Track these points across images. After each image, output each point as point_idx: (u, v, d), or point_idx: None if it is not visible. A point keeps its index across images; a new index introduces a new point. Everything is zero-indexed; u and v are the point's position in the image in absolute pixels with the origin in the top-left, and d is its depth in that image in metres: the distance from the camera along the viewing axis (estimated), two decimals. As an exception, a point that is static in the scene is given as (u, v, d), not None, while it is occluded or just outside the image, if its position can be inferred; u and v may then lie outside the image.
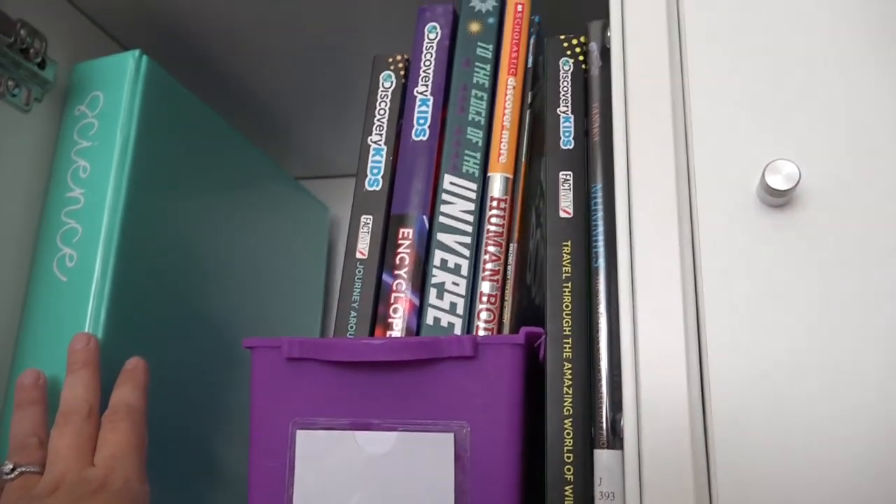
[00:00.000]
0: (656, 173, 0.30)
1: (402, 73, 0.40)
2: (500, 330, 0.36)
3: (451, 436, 0.32)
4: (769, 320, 0.28)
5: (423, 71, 0.39)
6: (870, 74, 0.30)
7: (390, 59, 0.41)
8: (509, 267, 0.37)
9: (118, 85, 0.49)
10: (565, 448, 0.32)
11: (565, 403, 0.32)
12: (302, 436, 0.34)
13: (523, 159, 0.38)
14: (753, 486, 0.27)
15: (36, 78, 0.47)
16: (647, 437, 0.29)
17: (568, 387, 0.32)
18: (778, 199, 0.29)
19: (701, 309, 0.29)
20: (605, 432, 0.32)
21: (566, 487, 0.31)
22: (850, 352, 0.28)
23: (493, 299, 0.36)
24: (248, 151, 0.62)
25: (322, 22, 0.52)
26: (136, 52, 0.49)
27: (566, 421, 0.32)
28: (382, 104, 0.40)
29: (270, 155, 0.67)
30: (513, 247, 0.37)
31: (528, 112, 0.39)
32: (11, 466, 0.37)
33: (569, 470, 0.32)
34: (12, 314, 0.46)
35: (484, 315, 0.36)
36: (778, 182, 0.28)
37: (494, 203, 0.37)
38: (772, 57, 0.31)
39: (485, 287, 0.36)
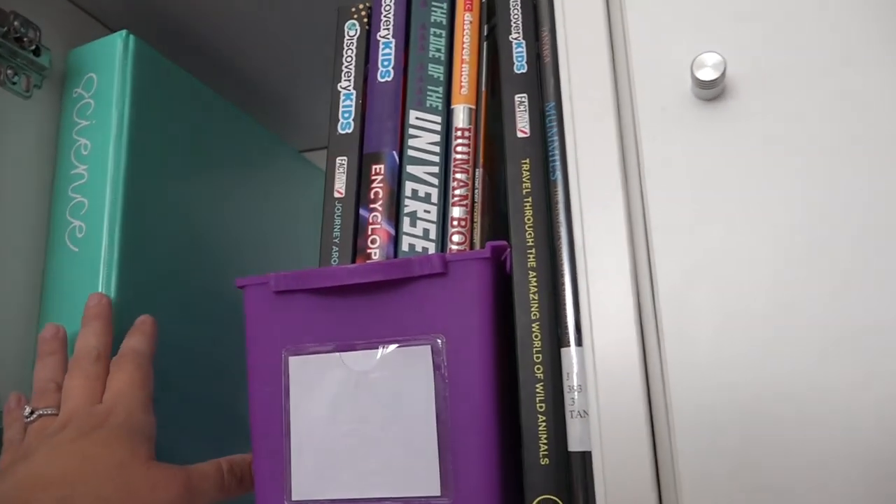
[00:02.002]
0: (594, 79, 0.32)
1: (365, 20, 0.42)
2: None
3: (428, 347, 0.35)
4: (710, 204, 0.30)
5: (384, 16, 0.41)
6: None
7: (353, 9, 0.43)
8: (476, 191, 0.38)
9: (109, 65, 0.51)
10: (534, 349, 0.34)
11: (532, 308, 0.34)
12: (294, 361, 0.37)
13: (484, 89, 0.40)
14: (701, 359, 0.29)
15: (33, 65, 0.50)
16: (598, 329, 0.30)
17: (534, 293, 0.34)
18: (710, 92, 0.30)
19: (645, 200, 0.31)
20: (569, 332, 0.34)
21: (537, 385, 0.33)
22: (786, 227, 0.29)
23: (463, 223, 0.38)
24: (243, 122, 0.64)
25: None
26: (124, 33, 0.52)
27: (534, 324, 0.34)
28: (349, 51, 0.42)
29: (275, 131, 0.70)
30: (479, 172, 0.39)
31: (485, 45, 0.41)
32: (30, 410, 0.40)
33: (538, 369, 0.34)
34: (34, 285, 0.49)
35: (456, 238, 0.38)
36: (706, 73, 0.29)
37: (459, 133, 0.39)
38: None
39: (455, 212, 0.38)
